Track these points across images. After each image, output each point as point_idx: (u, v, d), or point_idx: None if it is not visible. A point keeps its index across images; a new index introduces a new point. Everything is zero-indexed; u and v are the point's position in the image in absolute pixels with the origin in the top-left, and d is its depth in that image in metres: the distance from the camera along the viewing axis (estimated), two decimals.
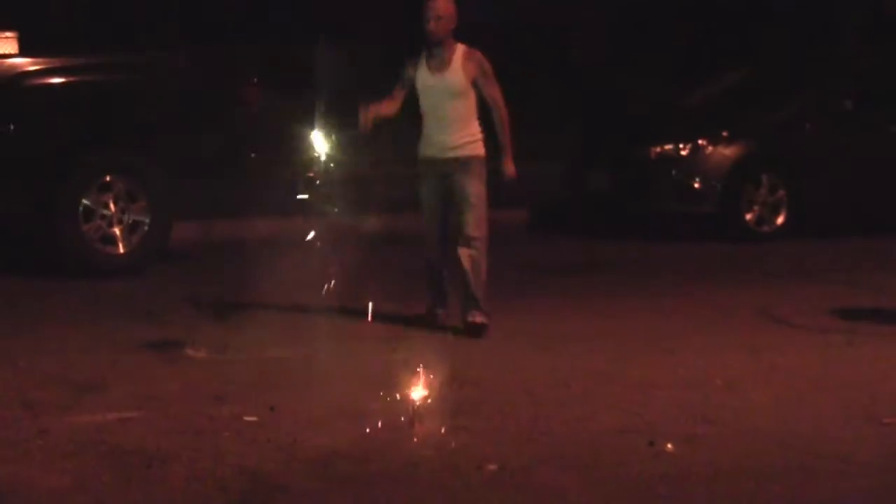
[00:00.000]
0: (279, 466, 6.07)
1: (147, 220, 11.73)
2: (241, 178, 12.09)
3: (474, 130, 9.35)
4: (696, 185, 14.28)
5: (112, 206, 11.61)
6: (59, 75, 11.68)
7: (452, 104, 9.32)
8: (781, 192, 14.35)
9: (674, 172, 14.34)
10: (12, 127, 11.32)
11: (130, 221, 11.69)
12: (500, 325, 9.16)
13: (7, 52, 11.51)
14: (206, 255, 12.61)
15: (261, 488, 5.78)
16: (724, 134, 14.46)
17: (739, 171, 14.27)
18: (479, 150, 9.34)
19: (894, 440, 6.54)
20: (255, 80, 11.99)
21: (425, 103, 9.43)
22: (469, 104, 9.34)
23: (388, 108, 9.41)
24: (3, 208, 11.38)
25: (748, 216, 14.27)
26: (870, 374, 7.92)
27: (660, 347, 8.70)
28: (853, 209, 14.83)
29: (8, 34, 11.51)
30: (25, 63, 11.56)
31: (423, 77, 9.36)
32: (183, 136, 11.73)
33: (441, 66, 9.31)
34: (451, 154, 9.31)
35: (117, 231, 11.64)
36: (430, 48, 9.35)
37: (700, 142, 14.39)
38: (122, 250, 11.67)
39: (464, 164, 9.30)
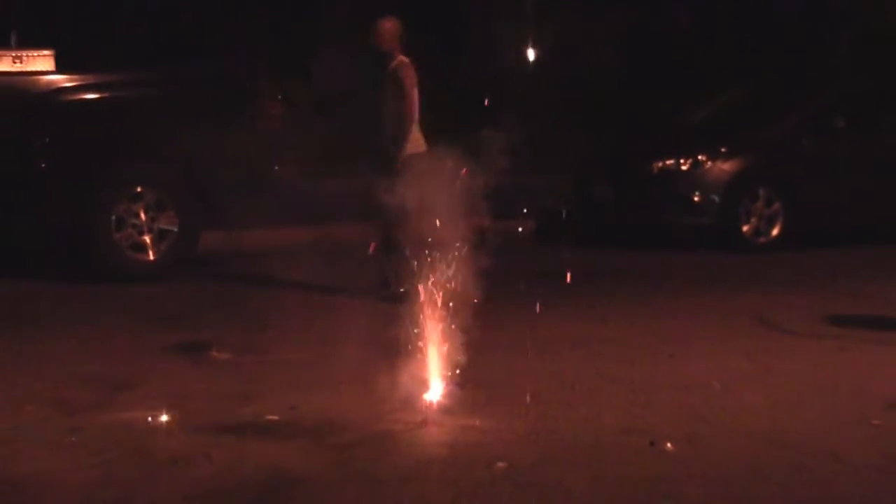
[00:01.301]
0: (299, 462, 6.05)
1: (175, 229, 11.74)
2: (266, 190, 12.09)
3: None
4: (696, 199, 14.26)
5: (142, 215, 11.63)
6: (93, 91, 11.70)
7: (388, 109, 10.46)
8: (777, 205, 14.33)
9: (674, 186, 14.32)
10: (48, 140, 11.34)
11: (159, 230, 11.70)
12: (509, 331, 9.15)
13: (44, 69, 11.54)
14: (231, 263, 12.61)
15: (281, 483, 5.77)
16: (723, 150, 14.44)
17: (737, 185, 14.25)
18: (416, 148, 10.37)
19: (884, 441, 6.51)
20: (280, 96, 12.00)
21: None
22: (400, 108, 10.43)
23: None
24: (40, 217, 11.39)
25: (745, 228, 14.25)
26: (861, 379, 7.89)
27: (661, 352, 8.68)
28: (845, 221, 14.82)
29: (45, 52, 11.55)
30: (61, 79, 11.59)
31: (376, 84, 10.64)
32: (210, 148, 11.73)
33: (382, 75, 10.53)
34: (391, 153, 10.31)
35: (147, 239, 11.66)
36: (377, 59, 10.59)
37: (700, 157, 14.38)
38: (151, 257, 11.68)
39: (401, 162, 10.22)
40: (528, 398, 7.29)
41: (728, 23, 22.28)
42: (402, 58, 10.56)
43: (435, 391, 6.81)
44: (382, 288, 10.07)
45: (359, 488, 5.71)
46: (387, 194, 10.39)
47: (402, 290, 9.83)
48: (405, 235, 10.15)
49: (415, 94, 10.49)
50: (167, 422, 6.79)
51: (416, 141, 10.48)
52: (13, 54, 11.47)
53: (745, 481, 5.83)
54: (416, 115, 10.50)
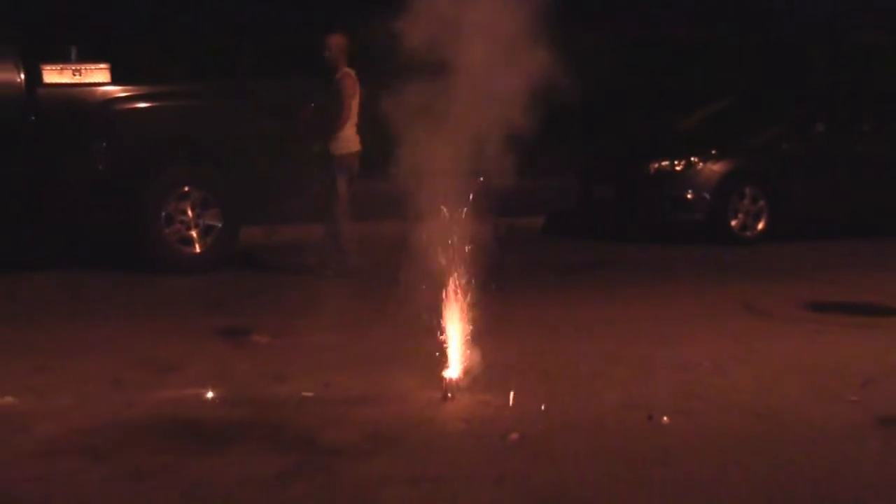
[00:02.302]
0: (333, 435, 6.09)
1: (220, 225, 11.78)
2: (300, 189, 12.11)
3: (342, 134, 10.98)
4: (689, 197, 14.25)
5: (189, 212, 11.67)
6: (145, 100, 11.75)
7: (328, 114, 11.00)
8: (762, 203, 14.32)
9: (669, 185, 14.32)
10: (105, 144, 11.39)
11: (205, 225, 11.75)
12: (519, 316, 9.18)
13: (101, 80, 11.60)
14: (269, 255, 12.65)
15: (317, 452, 5.81)
16: (713, 152, 14.44)
17: (726, 185, 14.24)
18: (338, 149, 11.00)
19: (855, 414, 6.53)
20: (312, 105, 12.01)
21: None
22: (337, 114, 10.99)
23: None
24: (98, 215, 11.45)
25: (733, 223, 14.25)
26: (836, 359, 7.90)
27: (657, 335, 8.70)
28: (823, 217, 14.83)
29: (102, 65, 11.60)
30: (116, 90, 11.63)
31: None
32: (251, 151, 11.77)
33: (328, 84, 11.04)
34: (330, 151, 11.03)
35: (194, 234, 11.70)
36: (326, 71, 11.06)
37: (692, 159, 14.37)
38: (198, 250, 11.72)
39: (332, 159, 10.99)
40: (537, 377, 7.33)
41: (725, 34, 22.22)
42: (347, 70, 11.03)
43: (454, 370, 6.84)
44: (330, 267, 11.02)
45: (386, 458, 5.75)
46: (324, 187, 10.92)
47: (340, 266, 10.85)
48: (342, 221, 10.69)
49: (352, 103, 10.99)
50: (213, 398, 6.85)
51: (353, 140, 11.06)
52: (73, 67, 11.53)
53: (733, 450, 5.86)
54: (350, 120, 11.00)
